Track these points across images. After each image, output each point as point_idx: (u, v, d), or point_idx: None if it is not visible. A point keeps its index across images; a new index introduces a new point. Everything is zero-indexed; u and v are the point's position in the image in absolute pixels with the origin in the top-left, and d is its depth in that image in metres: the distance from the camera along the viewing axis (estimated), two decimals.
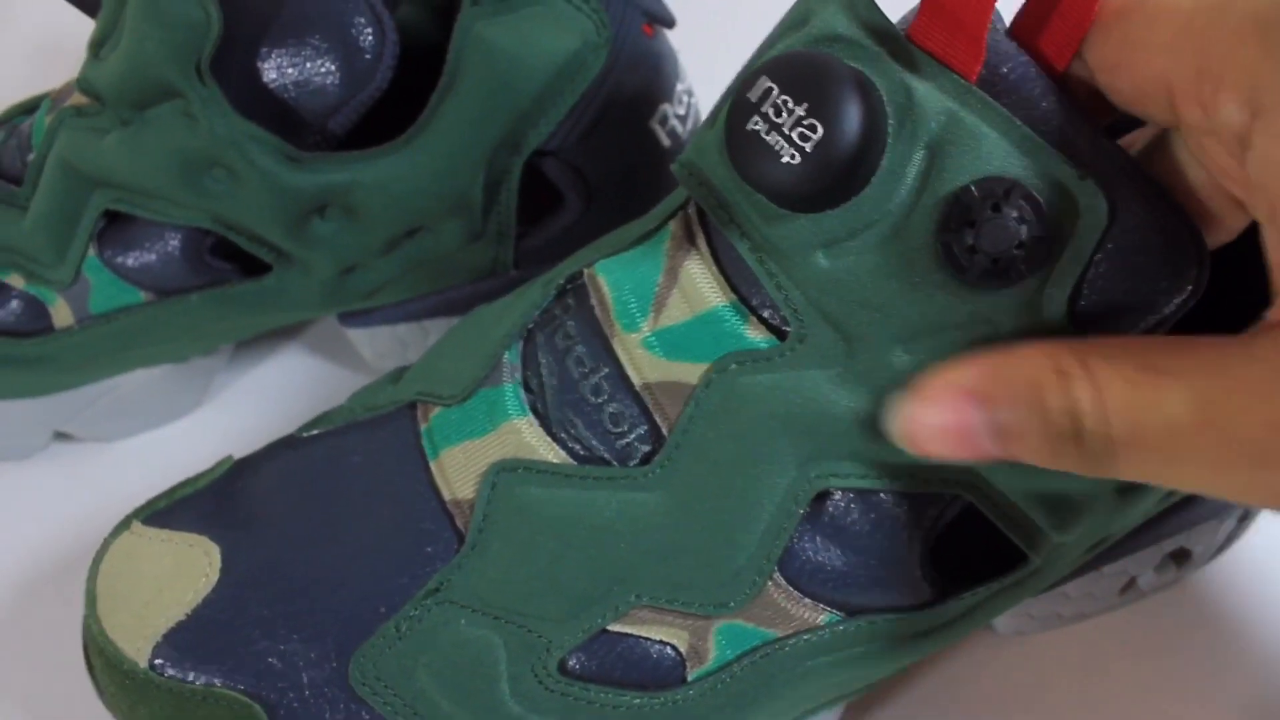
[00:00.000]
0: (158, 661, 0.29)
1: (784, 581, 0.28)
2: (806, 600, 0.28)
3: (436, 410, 0.30)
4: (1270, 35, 0.20)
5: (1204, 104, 0.22)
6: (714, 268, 0.27)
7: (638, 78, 0.35)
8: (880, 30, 0.24)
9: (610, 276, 0.29)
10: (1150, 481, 0.22)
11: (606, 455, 0.28)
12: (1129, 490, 0.27)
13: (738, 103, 0.24)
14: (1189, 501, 0.32)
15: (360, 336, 0.40)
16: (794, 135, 0.23)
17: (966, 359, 0.24)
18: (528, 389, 0.29)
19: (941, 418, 0.23)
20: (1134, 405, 0.21)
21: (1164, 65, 0.22)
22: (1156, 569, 0.33)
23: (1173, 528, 0.32)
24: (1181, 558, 0.34)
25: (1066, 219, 0.23)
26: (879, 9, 0.24)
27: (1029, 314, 0.24)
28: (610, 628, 0.28)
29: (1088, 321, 0.24)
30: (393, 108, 0.36)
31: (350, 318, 0.39)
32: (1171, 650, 0.35)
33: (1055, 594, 0.33)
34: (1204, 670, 0.34)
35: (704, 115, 0.40)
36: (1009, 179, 0.23)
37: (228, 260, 0.37)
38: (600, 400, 0.28)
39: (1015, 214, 0.23)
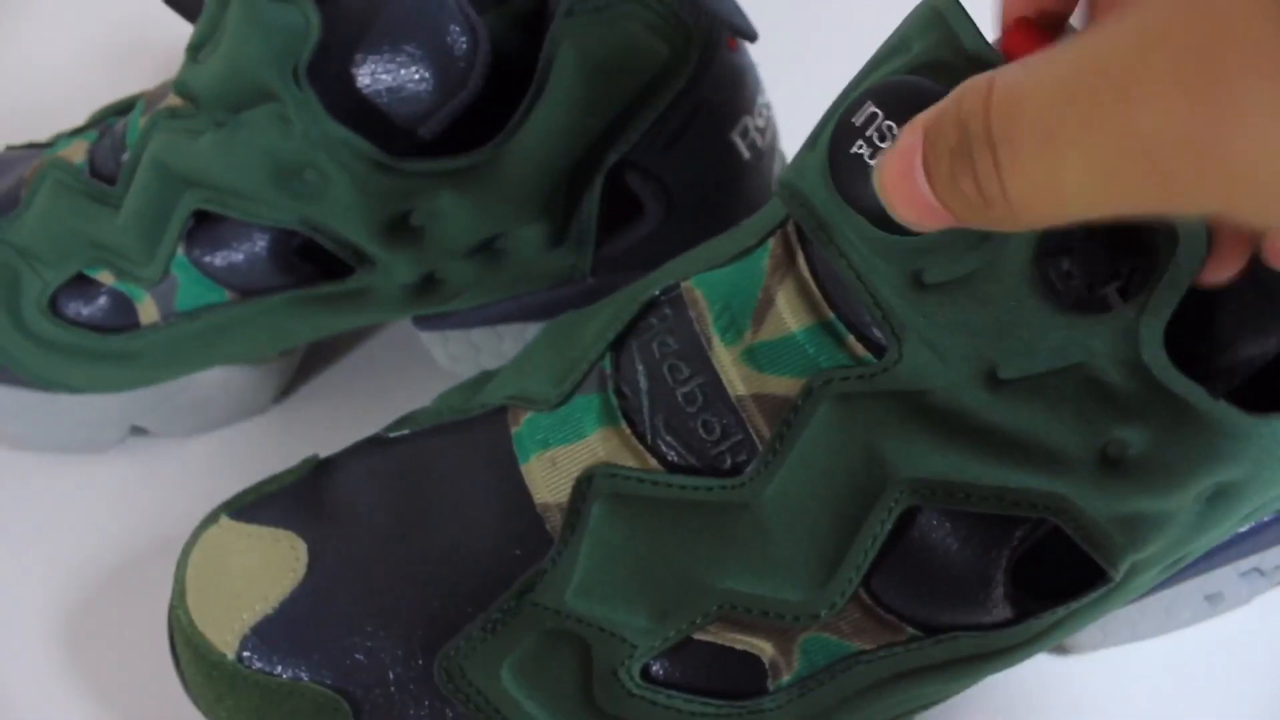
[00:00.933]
0: (245, 654, 0.30)
1: (869, 598, 0.28)
2: (891, 616, 0.28)
3: (529, 414, 0.30)
4: None
5: None
6: (813, 285, 0.28)
7: (722, 90, 0.36)
8: (983, 60, 0.25)
9: (708, 290, 0.29)
10: (1045, 216, 0.19)
11: (699, 463, 0.28)
12: (1203, 509, 0.28)
13: (842, 126, 0.25)
14: (1263, 524, 0.32)
15: (434, 340, 0.41)
16: None
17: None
18: (621, 396, 0.30)
19: (896, 154, 0.22)
20: (1019, 88, 0.19)
21: None
22: (1230, 587, 0.34)
23: (1248, 548, 0.32)
24: (1252, 578, 0.34)
25: (1165, 248, 0.23)
26: (982, 37, 0.25)
27: (1126, 342, 0.24)
28: (695, 635, 0.28)
29: (1187, 352, 0.24)
30: (479, 117, 0.37)
31: (425, 321, 0.40)
32: (1242, 670, 0.35)
33: (1130, 609, 0.33)
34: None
35: (781, 129, 0.41)
36: None
37: (311, 262, 0.38)
38: (695, 409, 0.29)
39: (1111, 242, 0.23)
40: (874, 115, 0.24)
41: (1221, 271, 0.24)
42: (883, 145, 0.24)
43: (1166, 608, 0.33)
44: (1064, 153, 0.18)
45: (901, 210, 0.22)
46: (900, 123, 0.24)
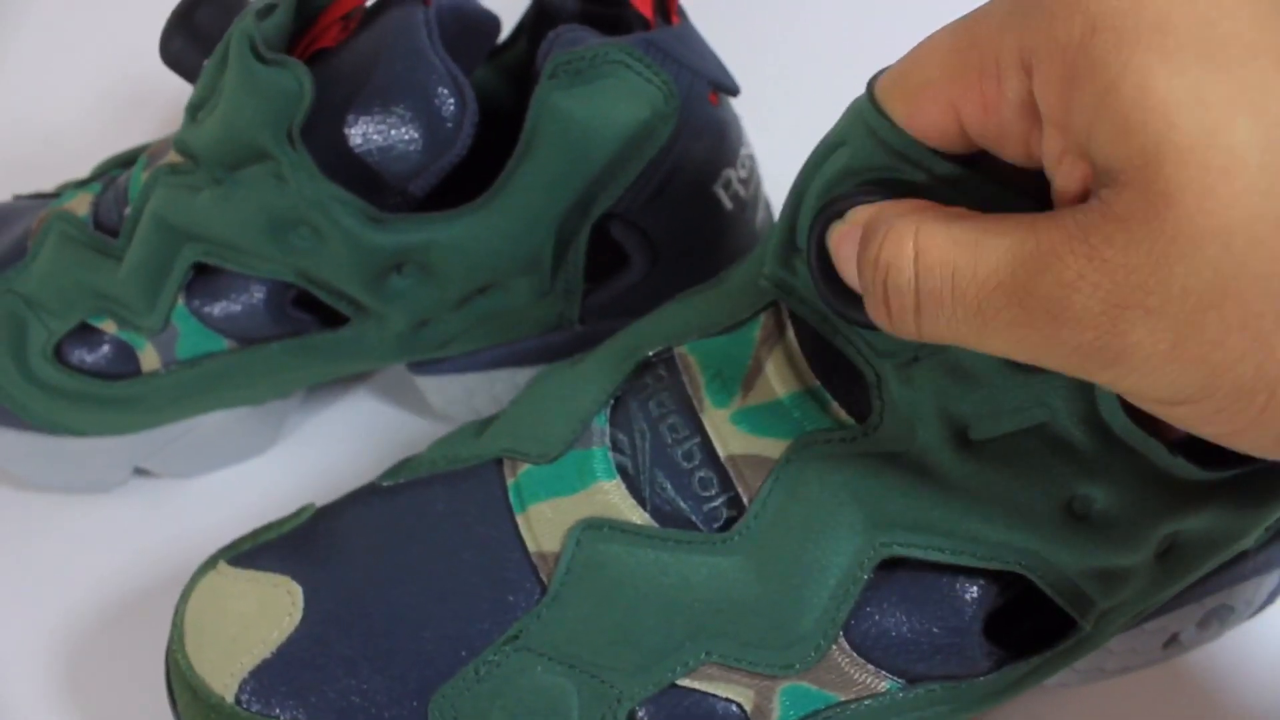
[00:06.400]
0: (243, 697, 0.31)
1: (849, 647, 0.29)
2: (870, 666, 0.29)
3: (525, 467, 0.32)
4: (1022, 7, 0.22)
5: (989, 106, 0.23)
6: (800, 355, 0.29)
7: (703, 145, 0.37)
8: (906, 155, 0.25)
9: (701, 356, 0.31)
10: (948, 340, 0.23)
11: (693, 516, 0.30)
12: (1167, 559, 0.29)
13: (824, 255, 0.26)
14: (1230, 561, 0.33)
15: (429, 384, 0.42)
16: None
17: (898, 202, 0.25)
18: (617, 450, 0.31)
19: (843, 233, 0.25)
20: (951, 262, 0.22)
21: (953, 94, 0.24)
22: (1198, 625, 0.35)
23: (1215, 585, 0.33)
24: (1224, 614, 0.35)
25: None
26: (900, 133, 0.25)
27: (1081, 396, 0.25)
28: (679, 682, 0.29)
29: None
30: (469, 167, 0.38)
31: (420, 366, 0.41)
32: (1211, 702, 0.35)
33: (1099, 649, 0.34)
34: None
35: (764, 178, 0.42)
36: None
37: (307, 311, 0.39)
38: (692, 465, 0.30)
39: None
40: None
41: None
42: None
43: (1134, 647, 0.34)
44: (989, 330, 0.22)
45: (845, 275, 0.25)
46: None
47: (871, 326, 0.25)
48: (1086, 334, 0.20)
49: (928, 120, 0.24)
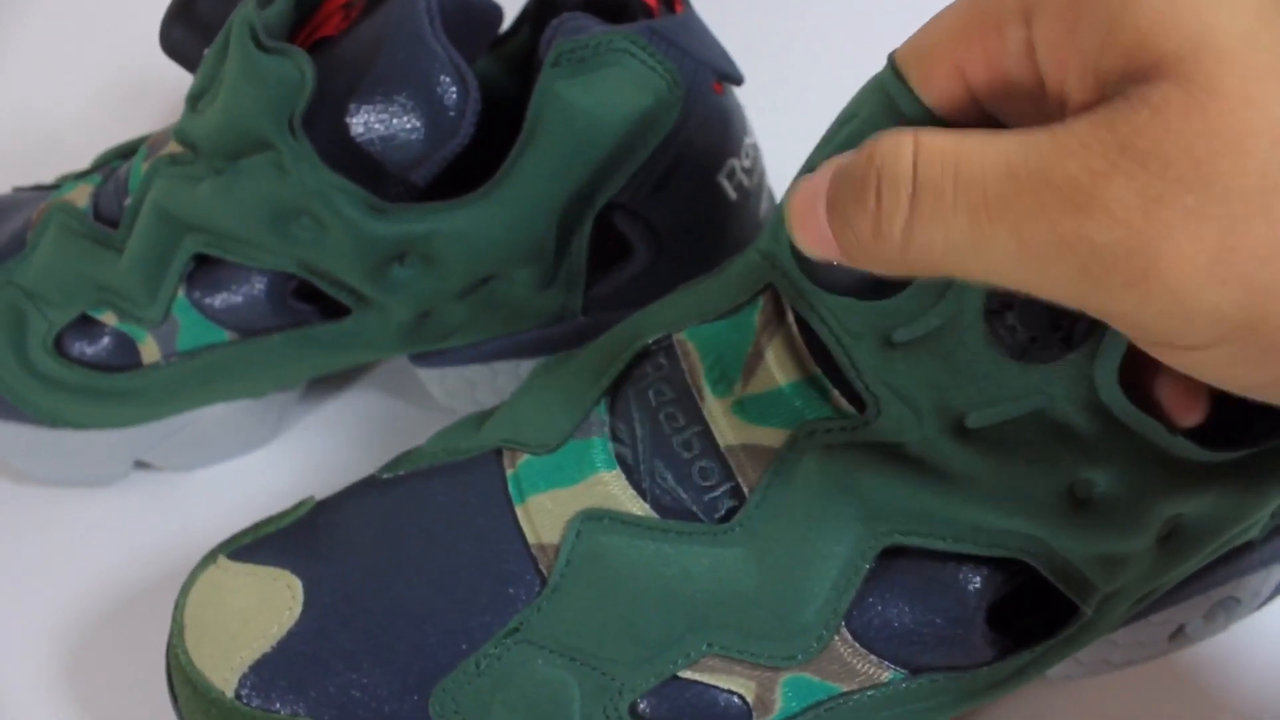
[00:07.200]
0: (243, 692, 0.31)
1: (851, 638, 0.29)
2: (872, 657, 0.29)
3: (524, 457, 0.31)
4: None
5: (991, 60, 0.22)
6: (800, 342, 0.29)
7: (707, 134, 0.37)
8: (913, 124, 0.25)
9: (700, 343, 0.31)
10: (937, 266, 0.21)
11: (694, 507, 0.29)
12: (1169, 543, 0.28)
13: None
14: (1236, 553, 0.33)
15: (430, 376, 0.42)
16: None
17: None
18: (617, 440, 0.31)
19: (807, 184, 0.23)
20: (954, 151, 0.20)
21: (958, 54, 0.23)
22: (1205, 617, 0.34)
23: (1221, 577, 0.33)
24: (1230, 606, 0.34)
25: None
26: (918, 102, 0.25)
27: (1082, 385, 0.25)
28: (681, 674, 0.29)
29: (1142, 391, 0.25)
30: (472, 157, 0.38)
31: (422, 358, 0.41)
32: (1217, 695, 0.35)
33: (1104, 641, 0.34)
34: (1250, 713, 0.35)
35: (769, 168, 0.41)
36: None
37: (309, 302, 0.39)
38: (691, 455, 0.30)
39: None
40: None
41: (1188, 419, 0.26)
42: None
43: (1139, 639, 0.34)
44: (994, 227, 0.20)
45: (798, 235, 0.23)
46: None
47: (831, 289, 0.25)
48: (1117, 229, 0.18)
49: (938, 87, 0.24)
